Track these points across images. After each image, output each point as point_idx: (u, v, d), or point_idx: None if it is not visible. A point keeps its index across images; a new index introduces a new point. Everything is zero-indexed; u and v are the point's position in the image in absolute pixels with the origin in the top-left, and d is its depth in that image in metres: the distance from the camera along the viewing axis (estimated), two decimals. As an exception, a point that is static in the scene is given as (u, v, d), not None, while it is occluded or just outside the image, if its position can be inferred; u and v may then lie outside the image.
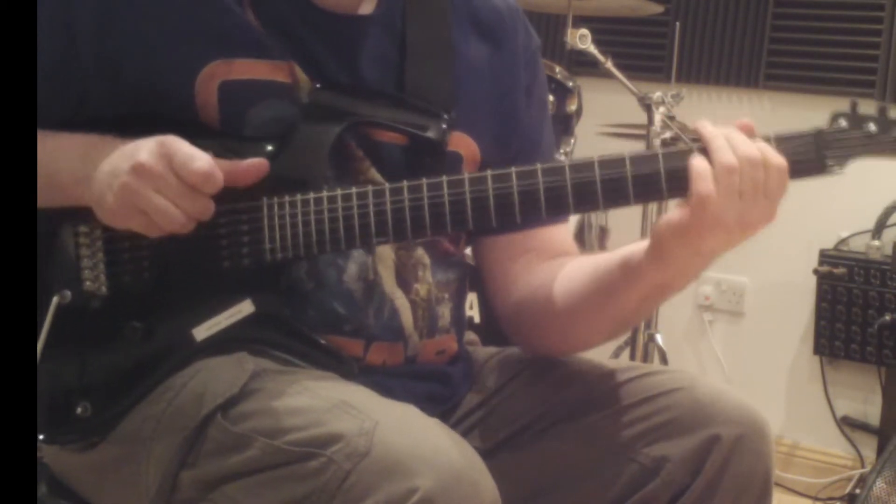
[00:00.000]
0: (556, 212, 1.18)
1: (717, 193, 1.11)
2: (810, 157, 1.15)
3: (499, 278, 1.39)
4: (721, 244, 1.15)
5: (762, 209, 1.13)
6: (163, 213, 1.12)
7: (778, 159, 1.12)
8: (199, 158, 1.11)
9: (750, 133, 1.15)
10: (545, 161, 1.19)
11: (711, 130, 1.14)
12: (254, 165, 1.17)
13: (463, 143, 1.32)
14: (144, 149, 1.12)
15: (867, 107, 1.18)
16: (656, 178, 1.14)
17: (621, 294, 1.24)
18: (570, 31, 2.44)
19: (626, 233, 2.69)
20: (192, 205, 1.13)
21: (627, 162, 1.15)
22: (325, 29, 1.26)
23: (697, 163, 1.12)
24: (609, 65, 2.51)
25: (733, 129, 1.14)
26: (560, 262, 1.34)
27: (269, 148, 1.21)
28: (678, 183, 1.14)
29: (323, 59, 1.26)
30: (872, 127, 1.15)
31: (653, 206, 2.65)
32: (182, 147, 1.12)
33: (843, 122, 1.16)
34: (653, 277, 1.19)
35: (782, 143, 1.15)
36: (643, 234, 2.64)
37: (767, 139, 1.15)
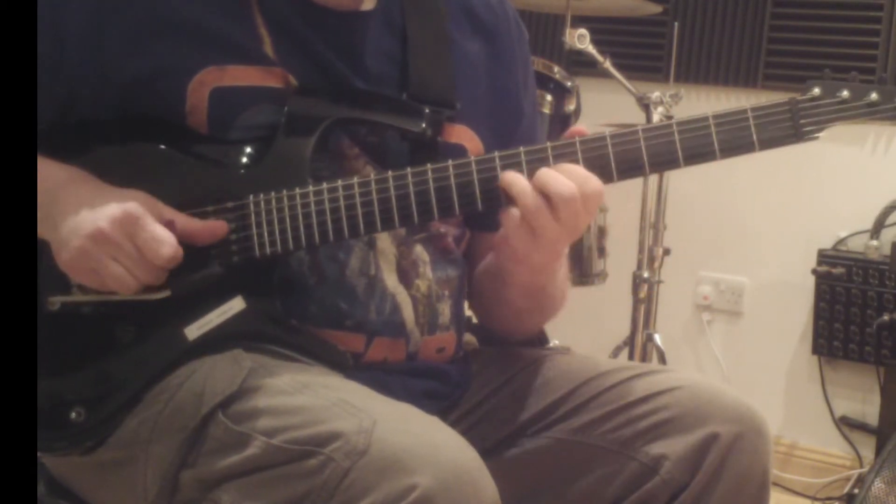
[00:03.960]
0: None
1: (537, 234, 1.15)
2: (786, 125, 1.16)
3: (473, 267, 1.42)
4: (567, 242, 1.19)
5: (587, 218, 1.16)
6: (115, 279, 1.16)
7: (591, 185, 1.14)
8: (165, 243, 1.14)
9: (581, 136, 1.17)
10: None
11: (521, 188, 1.14)
12: (210, 228, 1.19)
13: (466, 136, 1.33)
14: (106, 215, 1.14)
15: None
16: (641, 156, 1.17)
17: (501, 291, 1.30)
18: (568, 30, 2.43)
19: (626, 233, 2.70)
20: (147, 275, 1.16)
21: (642, 137, 1.17)
22: (327, 27, 1.27)
23: (514, 215, 1.15)
24: (607, 65, 2.51)
25: (545, 169, 1.15)
26: None
27: (249, 151, 1.22)
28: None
29: (328, 58, 1.26)
30: (845, 93, 1.16)
31: (652, 207, 2.65)
32: (148, 225, 1.14)
33: (816, 91, 1.17)
34: (526, 267, 1.23)
35: (758, 113, 1.16)
36: (641, 233, 2.65)
37: (744, 110, 1.16)
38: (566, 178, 1.14)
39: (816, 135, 1.16)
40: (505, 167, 1.17)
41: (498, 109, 1.38)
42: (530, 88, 1.45)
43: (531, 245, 1.16)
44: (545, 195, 1.13)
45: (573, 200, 1.13)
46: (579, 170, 1.15)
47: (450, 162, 1.18)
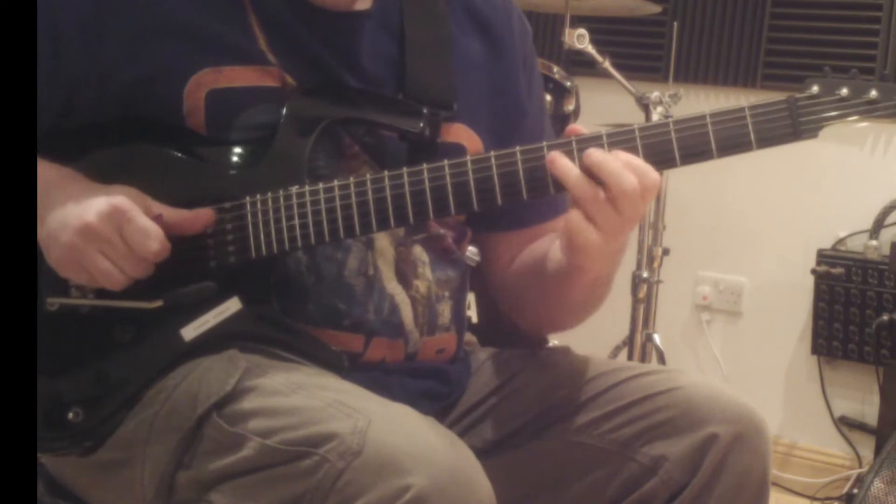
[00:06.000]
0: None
1: (601, 231, 1.14)
2: (784, 123, 1.15)
3: (498, 269, 1.42)
4: (623, 236, 1.18)
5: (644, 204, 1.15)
6: (104, 274, 1.16)
7: (647, 177, 1.13)
8: (152, 237, 1.14)
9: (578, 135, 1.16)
10: None
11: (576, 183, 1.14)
12: (197, 216, 1.19)
13: (465, 136, 1.32)
14: (94, 209, 1.14)
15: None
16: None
17: (563, 287, 1.28)
18: (567, 30, 2.43)
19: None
20: (135, 269, 1.16)
21: (638, 136, 1.15)
22: (322, 26, 1.27)
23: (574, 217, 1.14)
24: (607, 65, 2.51)
25: (613, 159, 1.13)
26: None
27: (247, 151, 1.22)
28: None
29: (324, 57, 1.26)
30: (845, 91, 1.14)
31: (650, 206, 2.65)
32: (135, 218, 1.14)
33: (815, 88, 1.15)
34: (582, 278, 1.24)
35: (756, 111, 1.15)
36: (640, 233, 2.64)
37: (741, 108, 1.15)
38: (627, 170, 1.13)
39: (815, 133, 1.14)
40: (500, 167, 1.16)
41: (498, 108, 1.37)
42: (535, 88, 1.43)
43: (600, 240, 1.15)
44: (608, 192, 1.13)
45: (634, 193, 1.12)
46: (635, 160, 1.14)
47: (445, 162, 1.18)
